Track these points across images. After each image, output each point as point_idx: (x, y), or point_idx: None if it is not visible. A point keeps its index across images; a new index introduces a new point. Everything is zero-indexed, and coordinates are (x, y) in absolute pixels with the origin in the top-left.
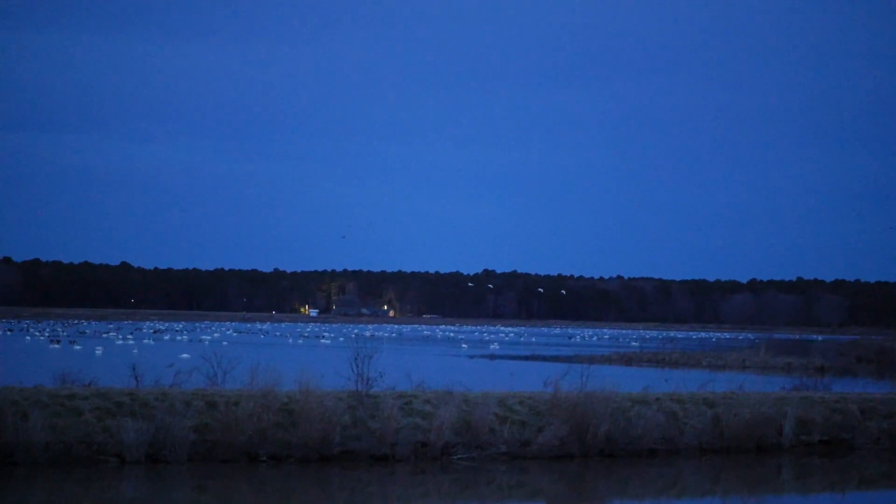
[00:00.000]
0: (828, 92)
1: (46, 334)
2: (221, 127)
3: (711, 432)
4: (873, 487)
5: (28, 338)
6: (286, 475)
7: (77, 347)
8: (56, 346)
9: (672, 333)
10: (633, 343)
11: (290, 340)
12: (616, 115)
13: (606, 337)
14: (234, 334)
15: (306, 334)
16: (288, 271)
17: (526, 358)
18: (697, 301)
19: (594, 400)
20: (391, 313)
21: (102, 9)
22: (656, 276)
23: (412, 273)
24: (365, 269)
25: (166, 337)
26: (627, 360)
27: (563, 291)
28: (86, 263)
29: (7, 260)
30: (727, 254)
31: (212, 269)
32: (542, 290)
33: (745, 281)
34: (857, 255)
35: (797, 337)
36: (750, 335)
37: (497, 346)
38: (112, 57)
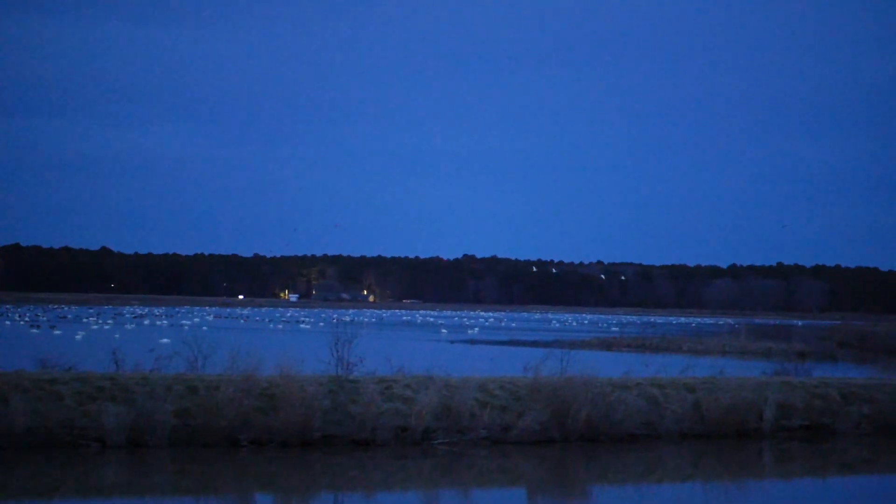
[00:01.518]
0: (810, 79)
1: (26, 319)
2: (202, 111)
3: (692, 417)
4: (854, 472)
5: (8, 322)
6: (267, 460)
7: (57, 332)
8: (36, 330)
9: (653, 318)
10: (614, 328)
11: (271, 325)
12: (596, 102)
13: (587, 322)
14: (215, 319)
15: (286, 319)
16: (268, 256)
17: (506, 343)
18: (678, 286)
19: (574, 385)
20: (371, 298)
21: None
22: (637, 262)
23: (392, 258)
24: (345, 254)
25: (146, 322)
26: (608, 345)
27: (553, 271)
28: (66, 248)
29: None
30: (708, 239)
31: (192, 253)
32: (534, 270)
33: (725, 266)
34: (837, 241)
35: (778, 322)
36: (730, 320)
37: (477, 331)
38: (92, 40)
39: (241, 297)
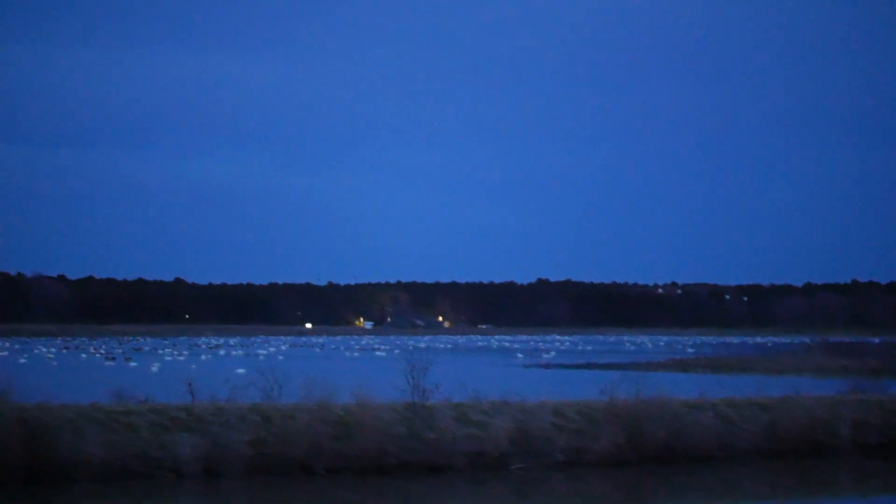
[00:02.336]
0: (876, 88)
1: (102, 351)
2: (273, 140)
3: (767, 437)
4: None
5: (84, 355)
6: (343, 487)
7: (132, 364)
8: (111, 363)
9: (727, 339)
10: (689, 349)
11: (346, 353)
12: (666, 120)
13: (661, 343)
14: (290, 348)
15: (361, 347)
16: (342, 284)
17: (581, 366)
18: (752, 305)
19: (650, 407)
20: (445, 324)
21: (152, 24)
22: (710, 282)
23: (466, 283)
24: (419, 281)
25: (221, 352)
26: (682, 366)
27: (627, 293)
28: (139, 280)
29: (61, 277)
30: (781, 257)
31: (265, 283)
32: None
33: (799, 284)
34: None
35: (852, 339)
36: (805, 339)
37: (552, 355)
38: (163, 71)
39: (307, 325)
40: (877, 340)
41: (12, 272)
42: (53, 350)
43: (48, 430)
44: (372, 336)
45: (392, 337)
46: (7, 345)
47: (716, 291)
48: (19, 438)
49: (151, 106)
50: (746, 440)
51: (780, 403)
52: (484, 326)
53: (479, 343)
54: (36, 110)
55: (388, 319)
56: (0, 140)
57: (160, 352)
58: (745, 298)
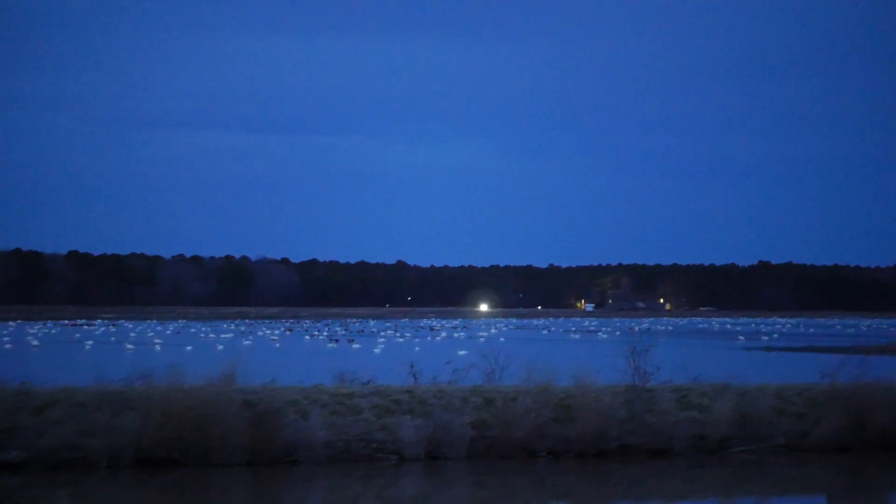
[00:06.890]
0: None
1: (325, 333)
2: (496, 125)
3: None
4: None
5: (307, 337)
6: (564, 470)
7: (355, 346)
8: (334, 345)
9: None
10: None
11: (570, 335)
12: (887, 101)
13: (885, 327)
14: (512, 330)
15: (583, 329)
16: (563, 266)
17: (802, 349)
18: None
19: (873, 391)
20: (666, 306)
21: (379, 13)
22: None
23: (687, 266)
24: (639, 263)
25: (443, 334)
26: None
27: (850, 277)
28: (362, 262)
29: (285, 261)
30: None
31: (487, 265)
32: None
33: None
34: None
35: None
36: None
37: (774, 337)
38: (389, 59)
39: (482, 306)
40: None
41: (237, 255)
42: (277, 332)
43: (273, 412)
44: (592, 318)
45: (613, 319)
46: (232, 327)
47: None
48: (244, 420)
49: (376, 94)
50: None
51: None
52: (705, 309)
53: (700, 326)
54: (266, 99)
55: (609, 302)
56: (225, 128)
57: (382, 334)
58: None
